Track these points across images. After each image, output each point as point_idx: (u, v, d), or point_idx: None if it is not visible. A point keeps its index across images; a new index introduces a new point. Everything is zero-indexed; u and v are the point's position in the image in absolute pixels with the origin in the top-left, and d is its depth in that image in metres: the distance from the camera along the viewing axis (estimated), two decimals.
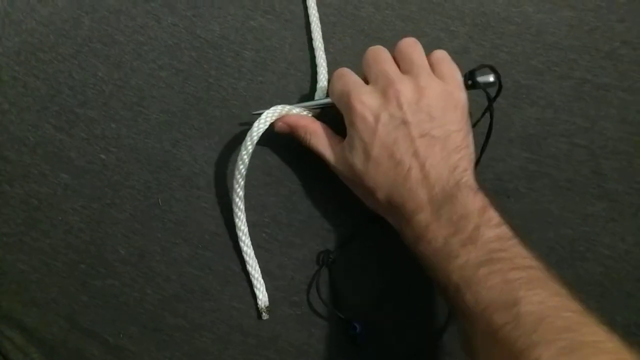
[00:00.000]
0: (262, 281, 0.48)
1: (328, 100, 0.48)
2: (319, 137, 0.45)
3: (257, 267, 0.48)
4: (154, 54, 0.55)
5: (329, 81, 0.51)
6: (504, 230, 0.36)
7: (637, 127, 0.52)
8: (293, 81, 0.54)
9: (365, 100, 0.40)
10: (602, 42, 0.55)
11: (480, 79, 0.45)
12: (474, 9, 0.56)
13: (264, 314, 0.48)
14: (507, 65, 0.54)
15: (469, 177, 0.39)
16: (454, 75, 0.43)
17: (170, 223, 0.51)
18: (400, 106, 0.39)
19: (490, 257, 0.34)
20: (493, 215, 0.37)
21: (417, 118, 0.39)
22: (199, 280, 0.50)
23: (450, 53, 0.54)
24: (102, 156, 0.52)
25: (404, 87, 0.40)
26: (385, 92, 0.40)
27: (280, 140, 0.52)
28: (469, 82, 0.45)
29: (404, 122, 0.39)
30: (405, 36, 0.47)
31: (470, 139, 0.41)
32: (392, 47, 0.46)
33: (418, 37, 0.54)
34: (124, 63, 0.55)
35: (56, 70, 0.55)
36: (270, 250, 0.50)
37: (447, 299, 0.37)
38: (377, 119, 0.39)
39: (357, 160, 0.41)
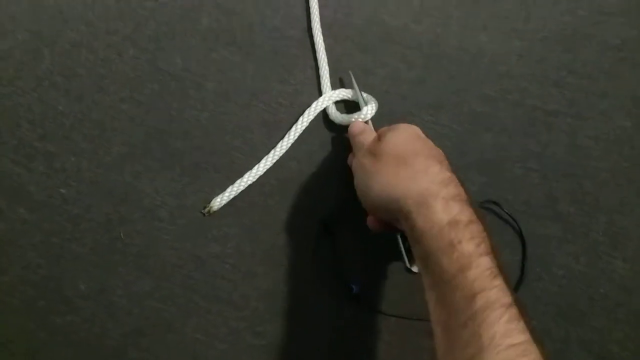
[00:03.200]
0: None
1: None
2: (365, 137, 0.46)
3: None
4: (115, 87, 0.53)
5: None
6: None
7: (585, 151, 0.52)
8: (255, 112, 0.53)
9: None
10: (550, 71, 0.55)
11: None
12: (430, 40, 0.56)
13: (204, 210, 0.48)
14: (463, 93, 0.54)
15: None
16: None
17: (132, 256, 0.48)
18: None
19: (515, 299, 0.33)
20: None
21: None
22: (161, 313, 0.47)
23: (408, 83, 0.54)
24: (62, 190, 0.50)
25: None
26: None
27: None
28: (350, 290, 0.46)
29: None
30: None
31: None
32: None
33: (377, 68, 0.54)
34: (85, 96, 0.53)
35: (16, 103, 0.52)
36: (233, 280, 0.48)
37: (464, 302, 0.33)
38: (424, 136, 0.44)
39: (400, 138, 0.42)
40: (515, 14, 0.57)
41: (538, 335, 0.32)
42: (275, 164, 0.50)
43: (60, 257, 0.48)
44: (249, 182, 0.49)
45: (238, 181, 0.49)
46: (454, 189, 0.37)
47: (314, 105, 0.51)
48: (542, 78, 0.55)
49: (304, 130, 0.51)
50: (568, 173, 0.51)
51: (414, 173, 0.38)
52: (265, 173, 0.50)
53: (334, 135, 0.52)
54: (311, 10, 0.55)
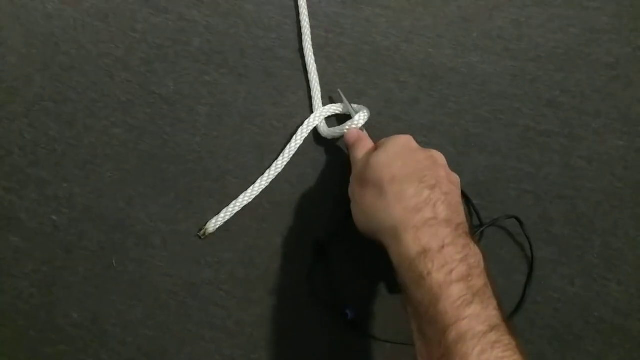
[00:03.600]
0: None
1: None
2: (361, 148, 0.45)
3: None
4: (107, 111, 0.53)
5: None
6: (499, 305, 0.34)
7: (578, 171, 0.52)
8: (248, 135, 0.52)
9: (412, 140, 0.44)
10: (543, 90, 0.55)
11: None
12: (422, 60, 0.56)
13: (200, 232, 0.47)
14: (456, 114, 0.54)
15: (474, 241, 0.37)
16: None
17: (125, 284, 0.48)
18: (440, 159, 0.41)
19: (497, 324, 0.32)
20: (490, 285, 0.35)
21: (447, 176, 0.40)
22: (155, 341, 0.47)
23: (400, 104, 0.54)
24: (54, 217, 0.49)
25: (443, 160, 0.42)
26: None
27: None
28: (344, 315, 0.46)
29: (441, 165, 0.41)
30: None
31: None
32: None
33: (369, 89, 0.54)
34: (76, 121, 0.52)
35: (6, 129, 0.52)
36: (227, 307, 0.48)
37: (436, 339, 0.32)
38: (419, 149, 0.42)
39: (386, 157, 0.41)
40: (508, 34, 0.57)
41: (523, 351, 0.31)
42: (268, 187, 0.50)
43: (52, 286, 0.47)
44: (244, 204, 0.49)
45: (232, 203, 0.49)
46: (429, 211, 0.36)
47: (305, 123, 0.51)
48: (535, 98, 0.55)
49: (296, 152, 0.51)
50: (562, 194, 0.51)
51: (387, 203, 0.37)
52: (258, 196, 0.50)
53: (326, 156, 0.52)
54: (303, 30, 0.55)
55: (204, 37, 0.55)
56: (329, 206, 0.50)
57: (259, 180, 0.49)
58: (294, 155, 0.51)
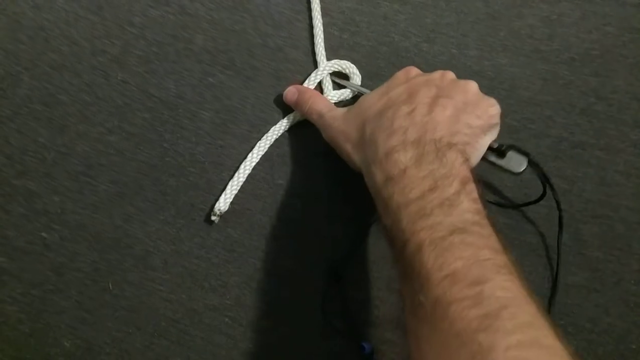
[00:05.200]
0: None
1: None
2: (320, 99, 0.44)
3: None
4: (102, 116, 0.47)
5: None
6: (482, 208, 0.32)
7: (615, 188, 0.47)
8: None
9: (414, 69, 0.41)
10: (577, 97, 0.50)
11: (511, 157, 0.41)
12: (445, 62, 0.50)
13: (214, 217, 0.43)
14: None
15: (463, 152, 0.34)
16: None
17: (122, 310, 0.43)
18: (442, 78, 0.39)
19: (465, 227, 0.30)
20: (474, 189, 0.32)
21: (449, 87, 0.38)
22: None
23: None
24: (44, 234, 0.44)
25: (451, 72, 0.40)
26: (436, 72, 0.40)
27: (244, 211, 0.45)
28: (501, 147, 0.40)
29: (437, 85, 0.38)
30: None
31: (475, 154, 0.37)
32: None
33: None
34: (68, 127, 0.47)
35: None
36: (233, 336, 0.43)
37: (401, 257, 0.31)
38: (414, 77, 0.39)
39: (372, 96, 0.39)
40: (538, 33, 0.51)
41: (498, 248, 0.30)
42: (279, 204, 0.45)
43: (42, 311, 0.42)
44: (247, 172, 0.45)
45: (236, 175, 0.45)
46: (398, 138, 0.35)
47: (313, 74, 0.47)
48: (568, 105, 0.49)
49: (307, 167, 0.45)
50: (597, 214, 0.46)
51: (364, 142, 0.37)
52: (267, 214, 0.45)
53: (339, 173, 0.46)
54: (315, 30, 0.49)
55: (207, 33, 0.49)
56: (343, 225, 0.45)
57: (256, 148, 0.46)
58: (304, 170, 0.45)
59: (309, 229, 0.44)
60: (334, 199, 0.45)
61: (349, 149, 0.38)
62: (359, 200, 0.44)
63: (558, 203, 0.43)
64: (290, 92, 0.45)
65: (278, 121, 0.46)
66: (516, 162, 0.41)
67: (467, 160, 0.34)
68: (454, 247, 0.28)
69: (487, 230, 0.30)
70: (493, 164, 0.41)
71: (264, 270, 0.43)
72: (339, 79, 0.47)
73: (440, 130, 0.34)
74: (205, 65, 0.48)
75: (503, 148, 0.40)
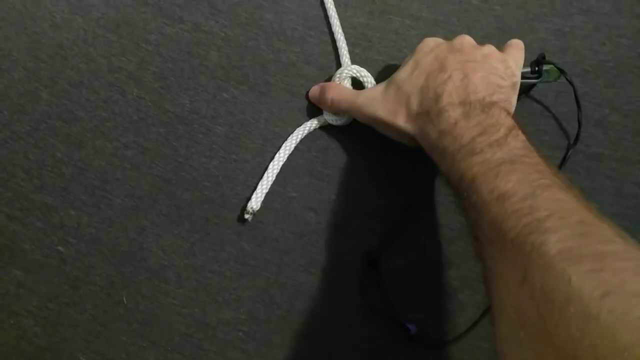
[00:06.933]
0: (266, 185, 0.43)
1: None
2: (342, 89, 0.45)
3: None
4: (118, 131, 0.47)
5: None
6: (530, 146, 0.33)
7: (633, 200, 0.46)
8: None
9: (435, 39, 0.42)
10: (591, 109, 0.48)
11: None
12: None
13: (247, 215, 0.43)
14: None
15: (504, 108, 0.36)
16: (519, 63, 0.42)
17: (136, 323, 0.42)
18: (462, 44, 0.40)
19: (514, 159, 0.31)
20: (521, 134, 0.34)
21: (473, 52, 0.39)
22: None
23: None
24: (60, 248, 0.44)
25: (469, 38, 0.41)
26: (454, 39, 0.41)
27: (257, 224, 0.45)
28: (534, 68, 0.44)
29: (460, 51, 0.39)
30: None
31: (511, 110, 0.39)
32: None
33: None
34: (85, 142, 0.47)
35: (10, 150, 0.46)
36: (246, 350, 0.42)
37: (460, 190, 0.33)
38: (437, 46, 0.40)
39: (405, 72, 0.40)
40: (550, 45, 0.50)
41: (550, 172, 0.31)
42: (292, 217, 0.44)
43: (58, 325, 0.42)
44: (276, 172, 0.45)
45: (265, 174, 0.44)
46: (445, 101, 0.37)
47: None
48: (582, 117, 0.48)
49: (321, 182, 0.44)
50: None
51: (413, 114, 0.39)
52: (279, 228, 0.44)
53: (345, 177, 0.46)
54: (338, 44, 0.48)
55: (222, 50, 0.49)
56: (354, 238, 0.44)
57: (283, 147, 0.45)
58: (317, 182, 0.44)
59: (321, 242, 0.43)
60: (346, 212, 0.44)
61: (401, 123, 0.39)
62: (372, 213, 0.43)
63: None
64: (314, 90, 0.45)
65: (288, 134, 0.46)
66: (549, 72, 0.45)
67: (509, 114, 0.36)
68: (503, 174, 0.30)
69: (535, 159, 0.32)
70: (534, 85, 0.44)
71: (277, 284, 0.42)
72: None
73: (480, 91, 0.36)
74: (220, 81, 0.48)
75: (537, 68, 0.44)
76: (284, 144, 0.45)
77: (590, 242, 0.26)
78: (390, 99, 0.40)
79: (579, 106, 0.45)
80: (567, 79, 0.44)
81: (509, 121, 0.35)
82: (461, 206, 0.34)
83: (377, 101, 0.41)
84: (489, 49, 0.40)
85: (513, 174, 0.30)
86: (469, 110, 0.35)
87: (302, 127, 0.45)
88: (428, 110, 0.37)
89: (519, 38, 0.49)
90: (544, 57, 0.45)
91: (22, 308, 0.42)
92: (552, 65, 0.44)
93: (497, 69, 0.39)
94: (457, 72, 0.37)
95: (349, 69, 0.46)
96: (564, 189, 0.30)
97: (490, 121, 0.34)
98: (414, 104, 0.38)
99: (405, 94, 0.39)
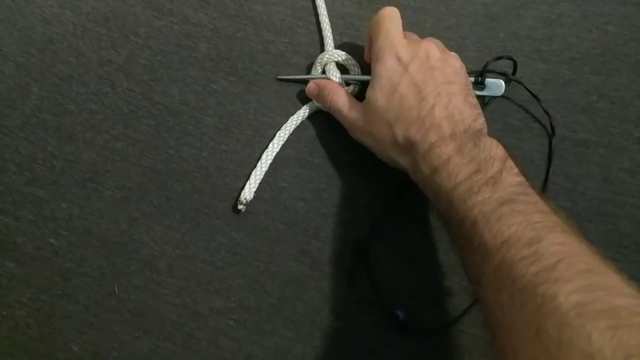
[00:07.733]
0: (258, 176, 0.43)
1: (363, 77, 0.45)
2: (339, 96, 0.43)
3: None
4: (108, 124, 0.47)
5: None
6: (524, 180, 0.34)
7: (620, 186, 0.46)
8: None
9: (400, 49, 0.39)
10: (578, 95, 0.48)
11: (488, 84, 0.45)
12: None
13: (240, 206, 0.42)
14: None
15: (488, 134, 0.36)
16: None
17: (128, 314, 0.42)
18: (429, 58, 0.39)
19: (513, 198, 0.31)
20: (513, 165, 0.34)
21: (444, 70, 0.38)
22: None
23: None
24: (52, 240, 0.44)
25: (434, 46, 0.40)
26: (418, 46, 0.39)
27: (247, 214, 0.45)
28: (477, 79, 0.45)
29: (432, 68, 0.38)
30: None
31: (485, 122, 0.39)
32: None
33: None
34: (75, 135, 0.47)
35: (1, 144, 0.46)
36: (237, 339, 0.42)
37: (460, 235, 0.33)
38: (408, 63, 0.38)
39: (382, 97, 0.38)
40: (538, 33, 0.50)
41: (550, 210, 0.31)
42: (282, 206, 0.44)
43: (51, 316, 0.42)
44: (269, 162, 0.45)
45: (258, 163, 0.44)
46: (434, 135, 0.36)
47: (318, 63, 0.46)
48: (569, 104, 0.48)
49: (311, 172, 0.44)
50: (602, 212, 0.44)
51: (397, 143, 0.38)
52: (270, 217, 0.44)
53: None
54: (323, 32, 0.48)
55: (210, 41, 0.49)
56: (344, 227, 0.44)
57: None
58: (307, 172, 0.44)
59: (311, 231, 0.43)
60: (336, 201, 0.44)
61: (391, 154, 0.39)
62: (361, 202, 0.43)
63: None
64: (311, 88, 0.44)
65: (280, 125, 0.46)
66: (495, 86, 0.45)
67: (498, 141, 0.36)
68: (505, 217, 0.30)
69: (534, 198, 0.32)
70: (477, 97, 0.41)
71: (267, 273, 0.42)
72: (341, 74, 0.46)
73: (466, 118, 0.36)
74: (209, 72, 0.48)
75: (480, 79, 0.44)
76: (277, 134, 0.45)
77: (603, 295, 0.25)
78: (372, 123, 0.39)
79: (536, 98, 0.46)
80: (516, 80, 0.45)
81: (500, 151, 0.35)
82: (460, 248, 0.33)
83: (360, 123, 0.41)
84: (452, 59, 0.40)
85: (515, 216, 0.30)
86: (460, 145, 0.35)
87: (295, 115, 0.45)
88: (416, 143, 0.36)
89: (507, 26, 0.49)
90: (487, 69, 0.45)
91: (15, 300, 0.42)
92: (498, 79, 0.45)
93: (467, 84, 0.39)
94: (439, 99, 0.37)
95: (331, 54, 0.45)
96: (566, 230, 0.30)
97: (483, 155, 0.34)
98: (399, 135, 0.37)
99: (385, 121, 0.38)
